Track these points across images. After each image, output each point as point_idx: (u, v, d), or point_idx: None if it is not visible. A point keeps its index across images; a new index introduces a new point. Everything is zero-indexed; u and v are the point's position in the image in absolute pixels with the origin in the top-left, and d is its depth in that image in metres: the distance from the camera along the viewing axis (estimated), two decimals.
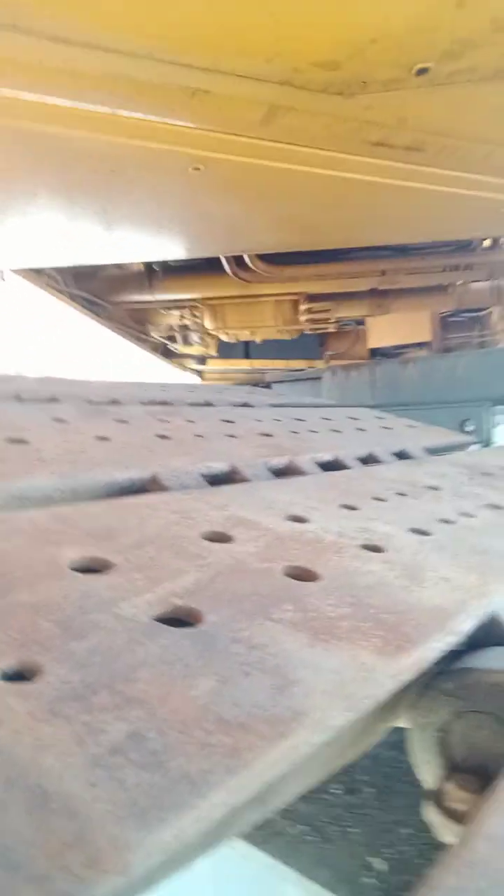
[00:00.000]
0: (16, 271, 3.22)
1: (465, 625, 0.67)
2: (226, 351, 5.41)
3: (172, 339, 5.02)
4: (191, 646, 0.51)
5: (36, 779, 0.36)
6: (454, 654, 0.68)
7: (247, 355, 5.63)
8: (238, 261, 3.69)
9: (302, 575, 0.70)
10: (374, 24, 1.30)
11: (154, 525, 0.77)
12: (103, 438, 1.17)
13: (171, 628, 0.54)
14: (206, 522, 0.82)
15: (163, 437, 1.28)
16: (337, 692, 0.49)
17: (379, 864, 0.76)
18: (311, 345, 5.49)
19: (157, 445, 1.21)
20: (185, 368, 5.65)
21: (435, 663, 0.64)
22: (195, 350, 5.13)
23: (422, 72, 1.42)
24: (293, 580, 0.69)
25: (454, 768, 0.66)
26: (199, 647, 0.51)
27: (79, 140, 1.72)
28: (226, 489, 1.03)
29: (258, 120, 1.61)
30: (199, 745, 0.40)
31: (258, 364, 5.58)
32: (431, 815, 0.59)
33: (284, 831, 0.85)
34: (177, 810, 0.35)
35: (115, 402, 1.60)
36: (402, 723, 0.73)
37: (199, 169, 1.83)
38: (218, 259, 3.83)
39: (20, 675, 0.44)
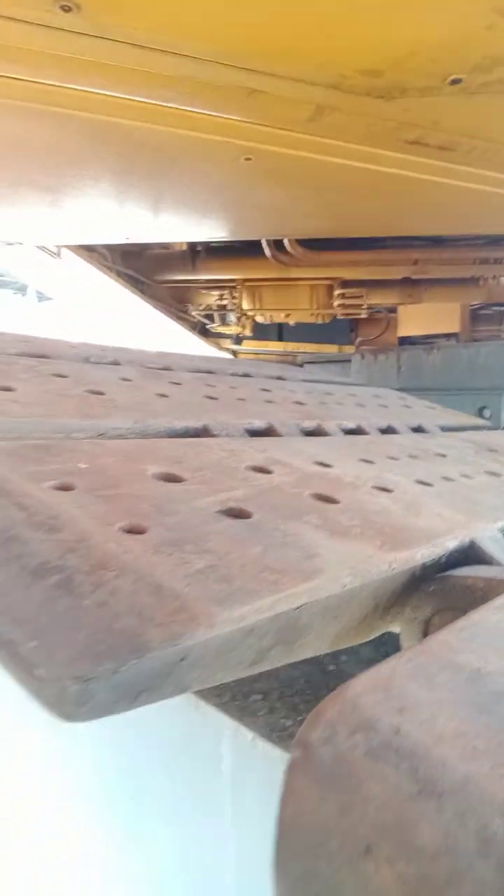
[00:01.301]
0: (71, 249, 3.43)
1: (449, 543, 0.86)
2: (260, 332, 5.59)
3: (210, 318, 5.22)
4: (244, 528, 0.72)
5: (153, 580, 0.56)
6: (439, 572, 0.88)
7: (280, 338, 5.80)
8: (278, 245, 3.85)
9: (325, 499, 0.90)
10: (414, 39, 1.46)
11: (210, 457, 0.98)
12: (162, 395, 1.37)
13: (230, 518, 0.74)
14: (250, 459, 1.02)
15: (211, 398, 1.48)
16: (346, 564, 0.69)
17: None
18: (342, 330, 5.63)
19: (206, 404, 1.41)
20: (220, 347, 5.84)
21: (421, 579, 0.83)
22: (231, 330, 5.32)
23: (455, 81, 1.57)
24: (318, 501, 0.89)
25: None
26: (249, 529, 0.72)
27: (142, 131, 1.91)
28: (265, 440, 1.23)
29: (306, 117, 1.78)
30: (252, 576, 0.61)
31: (290, 347, 5.75)
32: None
33: (294, 733, 1.05)
34: (239, 603, 0.56)
35: (166, 368, 1.81)
36: (394, 627, 0.93)
37: (249, 159, 2.01)
38: (258, 242, 4.01)
39: (134, 531, 0.65)
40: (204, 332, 5.60)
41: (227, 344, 5.79)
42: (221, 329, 5.38)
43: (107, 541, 0.61)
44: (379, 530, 0.82)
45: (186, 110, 1.78)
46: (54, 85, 1.63)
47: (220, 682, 0.65)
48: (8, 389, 1.08)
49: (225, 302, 4.88)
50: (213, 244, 4.44)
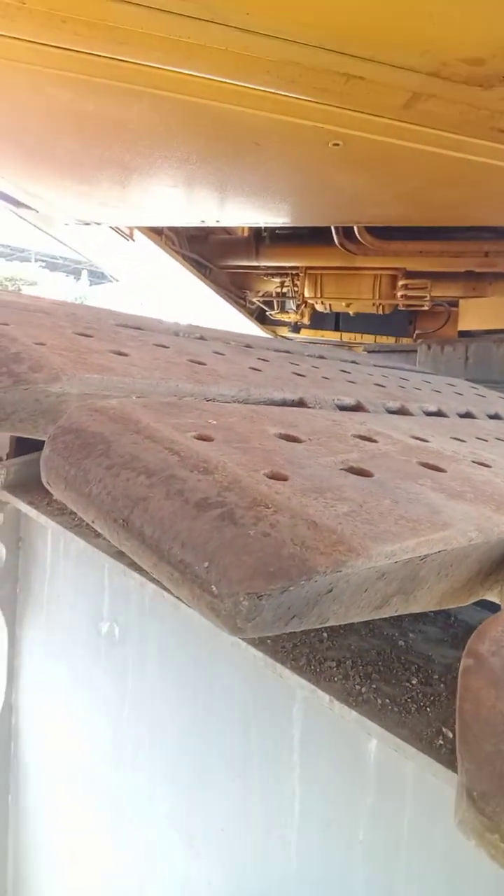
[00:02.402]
0: (143, 231, 3.52)
1: None
2: (317, 321, 5.61)
3: (270, 305, 5.26)
4: (369, 484, 0.77)
5: (308, 517, 0.62)
6: None
7: (336, 327, 5.81)
8: (346, 232, 3.87)
9: (432, 467, 0.94)
10: None
11: (318, 424, 1.03)
12: (255, 369, 1.43)
13: (354, 475, 0.79)
14: (353, 429, 1.07)
15: (298, 374, 1.53)
16: (470, 521, 0.73)
17: (447, 732, 0.97)
18: (400, 322, 5.60)
19: (296, 379, 1.46)
20: (277, 335, 5.89)
21: None
22: (290, 317, 5.36)
23: None
24: (426, 469, 0.93)
25: None
26: (374, 485, 0.77)
27: (234, 114, 1.96)
28: (359, 413, 1.28)
29: (401, 104, 1.80)
30: (392, 522, 0.66)
31: (347, 337, 5.75)
32: None
33: (370, 699, 1.08)
34: (389, 542, 0.61)
35: (248, 346, 1.87)
36: (491, 595, 0.96)
37: (338, 145, 2.04)
38: (323, 230, 4.03)
39: (276, 478, 0.70)
40: (262, 318, 5.65)
41: (285, 331, 5.82)
42: (280, 316, 5.42)
43: (257, 483, 0.67)
44: (489, 497, 0.86)
45: (281, 94, 1.82)
46: (158, 67, 1.70)
47: (348, 622, 0.71)
48: (124, 354, 1.15)
49: (286, 289, 4.92)
50: (278, 231, 4.48)
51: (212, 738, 1.26)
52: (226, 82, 1.76)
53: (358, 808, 1.02)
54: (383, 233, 3.88)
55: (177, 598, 1.10)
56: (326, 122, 1.92)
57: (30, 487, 1.66)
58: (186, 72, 1.69)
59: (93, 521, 0.68)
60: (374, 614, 0.72)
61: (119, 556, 1.35)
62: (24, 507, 1.59)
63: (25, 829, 1.77)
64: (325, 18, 1.48)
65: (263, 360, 1.60)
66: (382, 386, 1.74)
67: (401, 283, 4.53)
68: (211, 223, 3.08)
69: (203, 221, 3.03)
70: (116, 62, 1.64)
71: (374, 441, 1.01)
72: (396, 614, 0.78)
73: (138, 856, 1.43)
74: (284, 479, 0.70)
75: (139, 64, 1.66)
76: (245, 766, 1.19)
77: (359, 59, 1.62)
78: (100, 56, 1.60)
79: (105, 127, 2.02)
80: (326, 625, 0.66)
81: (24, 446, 1.81)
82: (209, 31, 1.52)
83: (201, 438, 0.78)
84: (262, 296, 5.26)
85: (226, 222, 3.24)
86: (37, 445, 1.85)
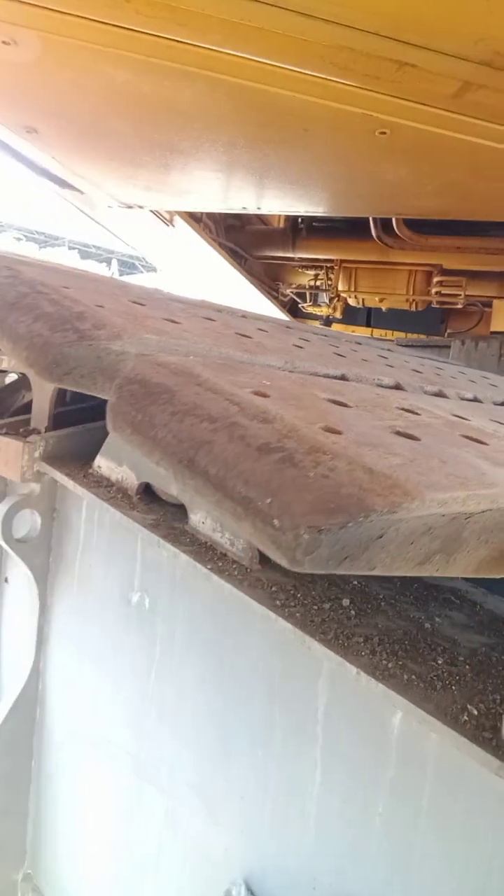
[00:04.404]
0: (183, 218, 3.57)
1: None
2: (349, 316, 5.61)
3: (302, 297, 5.28)
4: (418, 445, 0.80)
5: (364, 464, 0.65)
6: None
7: (368, 322, 5.80)
8: (385, 225, 3.87)
9: (474, 439, 0.97)
10: None
11: (363, 395, 1.06)
12: (298, 346, 1.47)
13: (402, 437, 0.82)
14: (396, 402, 1.10)
15: (339, 354, 1.56)
16: None
17: (472, 709, 0.99)
18: (432, 320, 5.57)
19: (337, 359, 1.49)
20: None
21: None
22: (322, 311, 5.37)
23: None
24: (469, 440, 0.96)
25: None
26: (422, 447, 0.80)
27: (283, 99, 1.99)
28: (399, 391, 1.31)
29: (451, 93, 1.81)
30: (442, 476, 0.69)
31: (378, 332, 5.74)
32: None
33: (397, 674, 1.11)
34: (442, 490, 0.64)
35: (288, 327, 1.90)
36: None
37: (385, 133, 2.06)
38: (360, 223, 4.03)
39: (331, 431, 0.74)
40: (293, 311, 5.67)
41: (316, 325, 5.84)
42: (312, 310, 5.44)
43: (314, 434, 0.70)
44: None
45: (331, 80, 1.85)
46: (215, 50, 1.73)
47: (393, 573, 0.74)
48: (176, 322, 1.20)
49: (319, 282, 4.94)
50: (315, 223, 4.50)
51: (236, 707, 1.27)
52: (280, 66, 1.79)
53: (379, 781, 1.03)
54: (421, 227, 3.87)
55: (208, 570, 1.15)
56: (375, 110, 1.94)
57: (67, 460, 1.70)
58: (243, 55, 1.72)
59: (158, 462, 0.72)
60: (416, 570, 0.75)
61: (153, 527, 1.39)
62: (62, 478, 1.63)
63: (46, 793, 1.80)
64: (383, 4, 1.51)
65: (304, 339, 1.63)
66: (419, 371, 1.76)
67: (436, 279, 4.52)
68: (252, 210, 3.11)
69: (245, 208, 3.07)
70: (174, 43, 1.68)
71: (418, 413, 1.04)
72: (436, 574, 0.82)
73: (157, 821, 1.45)
74: (338, 433, 0.74)
75: (197, 46, 1.70)
76: (268, 736, 1.21)
77: (412, 46, 1.64)
78: (159, 37, 1.64)
79: (158, 109, 2.06)
80: (373, 573, 0.69)
81: (61, 421, 1.86)
82: (268, 13, 1.55)
83: (258, 394, 0.82)
84: (296, 288, 5.28)
85: (267, 209, 3.27)
86: (74, 420, 1.90)
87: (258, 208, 3.06)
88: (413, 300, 4.75)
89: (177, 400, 0.75)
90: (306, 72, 1.79)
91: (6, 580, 2.04)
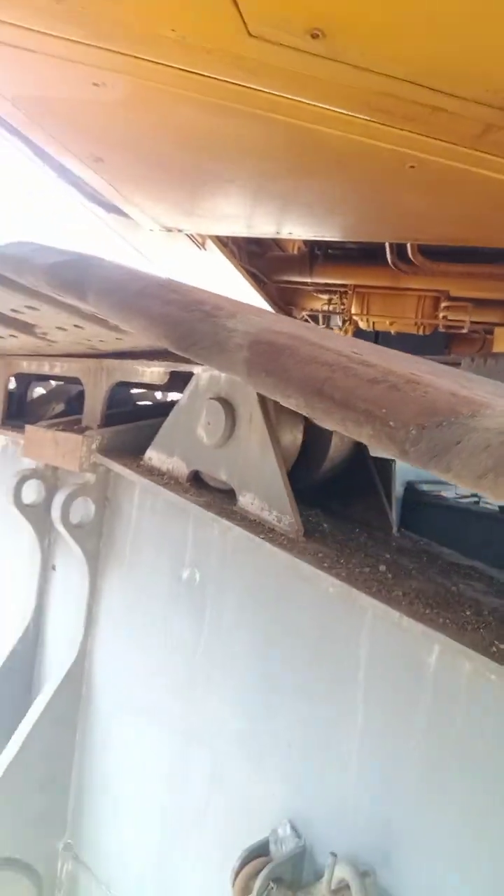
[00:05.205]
0: (214, 242, 3.87)
1: None
2: (358, 338, 5.92)
3: (315, 319, 5.59)
4: (481, 392, 1.04)
5: (450, 391, 0.90)
6: None
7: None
8: (399, 251, 4.19)
9: None
10: None
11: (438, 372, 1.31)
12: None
13: (466, 389, 1.07)
14: (454, 380, 1.34)
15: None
16: None
17: (500, 645, 1.10)
18: (436, 344, 5.87)
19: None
20: None
21: None
22: None
23: None
24: None
25: None
26: (486, 395, 1.04)
27: (324, 135, 2.28)
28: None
29: (475, 134, 2.12)
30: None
31: None
32: None
33: (433, 619, 1.27)
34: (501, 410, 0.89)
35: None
36: None
37: (413, 167, 2.36)
38: (373, 250, 4.36)
39: (412, 377, 0.99)
40: None
41: None
42: None
43: (407, 374, 0.95)
44: None
45: (371, 121, 2.15)
46: (275, 94, 2.04)
47: (458, 481, 0.95)
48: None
49: (333, 306, 5.25)
50: (331, 250, 4.83)
51: (283, 665, 1.39)
52: (326, 108, 2.09)
53: (415, 715, 1.15)
54: (433, 254, 4.20)
55: (261, 539, 1.28)
56: (407, 147, 2.24)
57: (119, 453, 1.90)
58: (298, 98, 2.02)
59: (289, 397, 0.96)
60: (475, 484, 0.97)
61: (207, 505, 1.57)
62: (118, 468, 1.79)
63: (89, 765, 1.90)
64: (422, 60, 1.81)
65: (356, 350, 1.89)
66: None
67: (443, 304, 4.83)
68: (284, 234, 3.41)
69: (277, 232, 3.37)
70: (241, 87, 1.98)
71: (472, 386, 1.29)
72: (488, 494, 1.04)
73: (204, 778, 1.54)
74: (422, 380, 0.99)
75: (259, 90, 2.00)
76: (312, 688, 1.32)
77: (443, 93, 1.94)
78: (227, 82, 1.94)
79: (214, 142, 2.36)
80: (447, 475, 0.89)
81: (111, 420, 2.07)
82: (322, 64, 1.85)
83: (355, 353, 1.07)
84: (309, 311, 5.60)
85: (297, 234, 3.58)
86: (122, 419, 2.10)
87: (290, 233, 3.36)
88: (421, 324, 5.06)
89: (298, 354, 1.00)
90: (349, 113, 2.10)
91: (53, 567, 2.20)
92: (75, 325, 1.64)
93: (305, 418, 1.61)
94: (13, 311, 1.65)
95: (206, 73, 1.90)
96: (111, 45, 1.71)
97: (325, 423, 0.93)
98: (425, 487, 2.58)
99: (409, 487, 2.42)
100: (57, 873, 1.94)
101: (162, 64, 1.87)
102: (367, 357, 1.01)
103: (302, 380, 0.94)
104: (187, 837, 1.58)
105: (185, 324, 1.15)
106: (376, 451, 1.06)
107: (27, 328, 1.81)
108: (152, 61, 1.87)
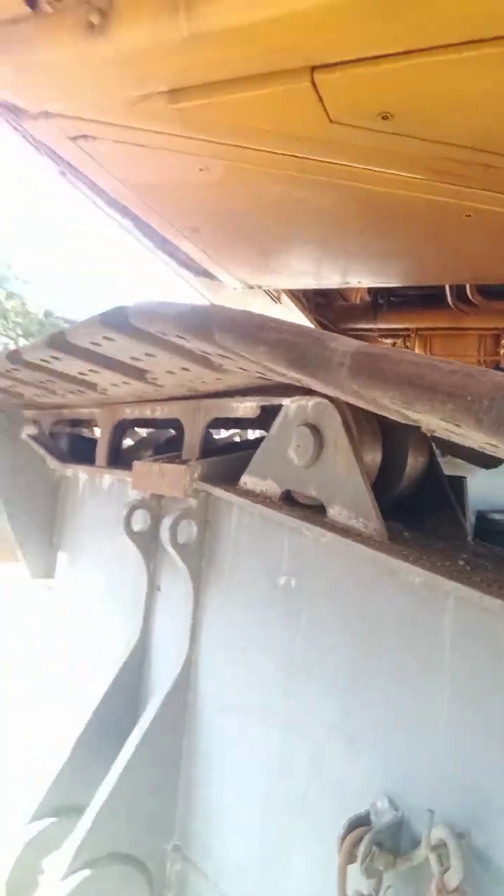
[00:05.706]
0: (288, 296, 4.23)
1: None
2: None
3: None
4: None
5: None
6: None
7: None
8: (459, 293, 4.42)
9: None
10: None
11: None
12: None
13: None
14: None
15: None
16: None
17: None
18: None
19: None
20: None
21: None
22: None
23: None
24: None
25: None
26: None
27: (390, 196, 2.57)
28: None
29: None
30: None
31: None
32: None
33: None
34: None
35: None
36: None
37: (469, 216, 2.62)
38: (433, 295, 4.60)
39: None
40: None
41: None
42: None
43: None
44: None
45: (431, 181, 2.43)
46: (351, 166, 2.35)
47: None
48: None
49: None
50: (392, 298, 5.11)
51: (373, 653, 1.47)
52: (394, 174, 2.39)
53: (499, 689, 1.20)
54: (491, 293, 4.40)
55: (351, 541, 1.48)
56: (464, 200, 2.50)
57: (216, 481, 2.10)
58: (369, 168, 2.33)
59: (387, 391, 1.17)
60: None
61: (301, 517, 1.70)
62: (219, 492, 1.99)
63: (196, 768, 2.00)
64: (473, 130, 2.08)
65: None
66: None
67: (503, 341, 4.99)
68: (353, 283, 3.72)
69: (347, 283, 3.68)
70: (321, 162, 2.31)
71: None
72: None
73: (304, 765, 1.63)
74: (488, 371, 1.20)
75: (337, 163, 2.32)
76: (402, 671, 1.40)
77: (494, 153, 2.20)
78: (311, 159, 2.28)
79: (297, 209, 2.70)
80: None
81: (206, 455, 2.32)
82: (393, 140, 2.14)
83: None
84: None
85: (366, 283, 3.88)
86: (217, 451, 2.34)
87: (359, 282, 3.67)
88: (483, 361, 5.21)
89: (392, 359, 1.21)
90: (412, 175, 2.38)
91: (158, 588, 2.41)
92: (183, 368, 1.85)
93: (383, 441, 1.82)
94: (133, 358, 1.89)
95: (293, 154, 2.24)
96: (216, 138, 2.08)
97: (416, 407, 1.13)
98: (497, 517, 2.69)
99: (481, 517, 2.53)
100: (167, 873, 2.02)
101: (257, 150, 2.23)
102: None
103: (397, 374, 1.16)
104: (289, 824, 1.67)
105: (299, 347, 1.38)
106: (455, 431, 1.20)
107: (140, 374, 2.07)
108: (250, 148, 2.23)
